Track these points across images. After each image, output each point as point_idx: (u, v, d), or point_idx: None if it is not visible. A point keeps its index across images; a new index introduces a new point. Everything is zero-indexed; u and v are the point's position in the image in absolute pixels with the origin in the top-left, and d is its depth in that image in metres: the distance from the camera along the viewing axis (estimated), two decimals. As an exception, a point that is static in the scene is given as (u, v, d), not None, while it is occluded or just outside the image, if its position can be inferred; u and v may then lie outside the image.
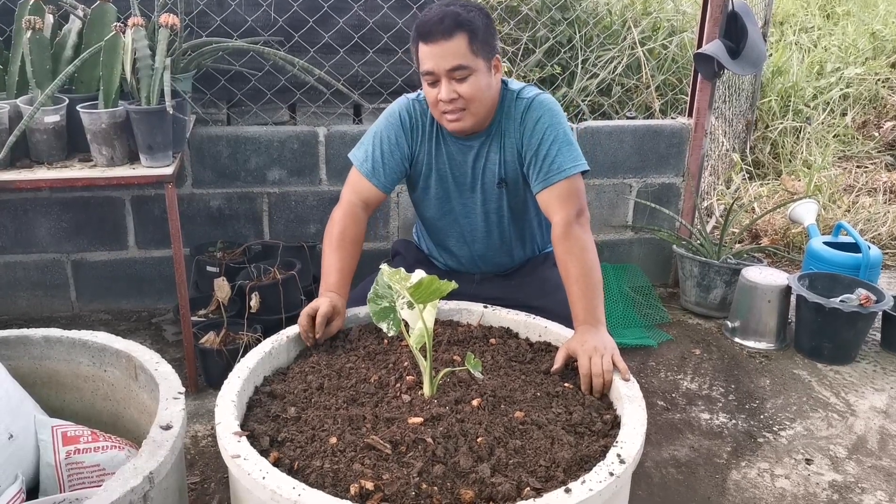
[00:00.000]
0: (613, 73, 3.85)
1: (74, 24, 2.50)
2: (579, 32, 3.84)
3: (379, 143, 2.10)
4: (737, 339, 3.02)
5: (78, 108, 2.28)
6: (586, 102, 3.75)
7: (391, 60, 3.06)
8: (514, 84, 2.12)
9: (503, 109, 2.08)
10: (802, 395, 2.65)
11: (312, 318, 1.81)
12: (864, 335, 2.88)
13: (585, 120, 3.40)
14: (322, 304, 1.83)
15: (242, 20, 2.93)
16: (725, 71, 3.27)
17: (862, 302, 2.78)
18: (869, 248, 3.09)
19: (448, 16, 1.89)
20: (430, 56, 1.92)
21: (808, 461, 2.29)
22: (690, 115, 3.31)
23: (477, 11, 1.95)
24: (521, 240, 2.28)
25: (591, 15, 3.91)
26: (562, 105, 2.18)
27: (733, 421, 2.49)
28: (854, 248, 3.13)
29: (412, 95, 2.17)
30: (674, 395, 2.64)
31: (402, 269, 1.54)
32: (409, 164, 2.16)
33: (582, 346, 1.72)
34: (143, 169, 2.31)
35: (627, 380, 1.66)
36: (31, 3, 2.44)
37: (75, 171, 2.30)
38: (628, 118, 3.56)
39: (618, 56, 3.88)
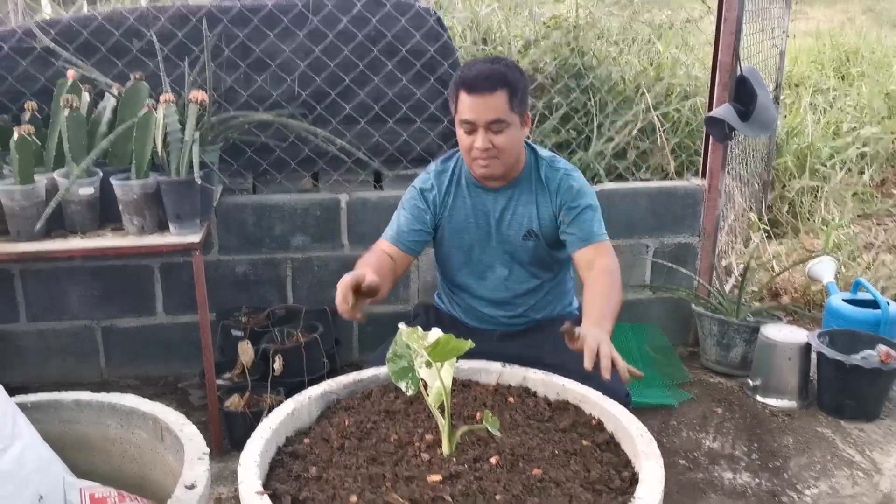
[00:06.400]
0: (629, 136, 3.93)
1: (109, 102, 2.63)
2: (593, 98, 3.94)
3: (403, 212, 2.28)
4: (758, 398, 3.01)
5: (111, 179, 2.39)
6: (602, 165, 3.83)
7: (410, 129, 3.16)
8: (544, 152, 2.30)
9: (535, 170, 2.26)
10: (826, 453, 2.63)
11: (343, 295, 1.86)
12: (887, 392, 2.86)
13: (601, 182, 3.47)
14: (344, 277, 1.87)
15: (268, 94, 3.06)
16: (737, 133, 3.33)
17: (882, 359, 2.77)
18: (888, 304, 3.09)
19: (495, 74, 2.06)
20: (471, 107, 2.06)
21: (834, 520, 2.26)
22: (704, 176, 3.37)
23: (518, 72, 2.14)
24: (538, 291, 2.36)
25: (605, 82, 4.02)
26: (578, 168, 2.34)
27: (756, 480, 2.47)
28: (873, 304, 3.13)
29: (431, 168, 2.32)
30: (696, 454, 2.63)
31: (420, 329, 1.59)
32: (434, 230, 2.30)
33: (592, 335, 1.78)
34: (172, 237, 2.40)
35: (626, 379, 1.70)
36: (69, 83, 2.58)
37: (107, 240, 2.39)
38: (643, 180, 3.62)
39: (632, 120, 3.97)
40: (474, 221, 2.28)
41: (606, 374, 1.70)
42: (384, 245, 2.25)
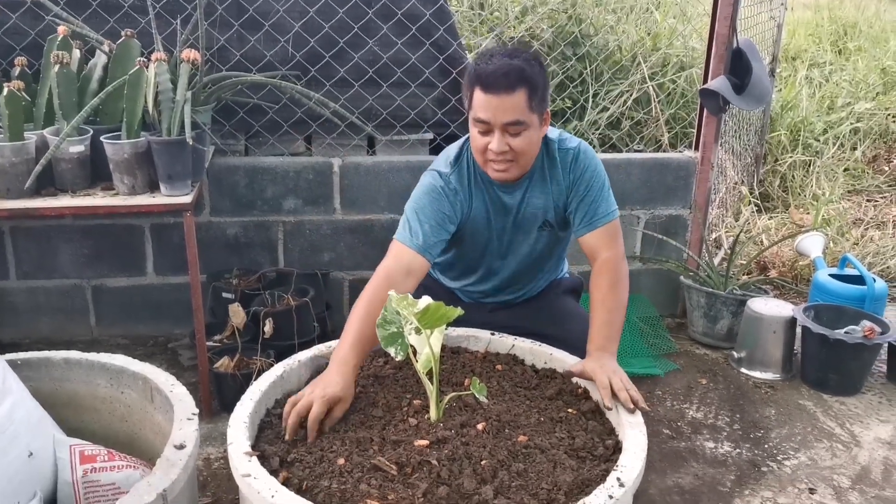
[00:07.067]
0: (623, 106, 3.92)
1: (100, 59, 2.60)
2: (589, 67, 3.92)
3: (426, 218, 2.06)
4: (743, 370, 3.05)
5: (102, 138, 2.37)
6: (596, 135, 3.82)
7: (404, 94, 3.14)
8: (552, 131, 2.17)
9: (546, 157, 2.15)
10: (807, 425, 2.67)
11: (302, 415, 1.64)
12: (870, 367, 2.90)
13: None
14: (316, 401, 1.64)
15: (261, 55, 3.02)
16: (731, 106, 3.33)
17: (866, 333, 2.80)
18: (874, 280, 3.11)
19: (514, 71, 1.89)
20: (487, 106, 1.92)
21: (812, 490, 2.31)
22: (697, 148, 3.37)
23: (538, 67, 1.97)
24: (540, 271, 2.37)
25: (601, 51, 4.00)
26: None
27: (738, 450, 2.51)
28: (860, 280, 3.16)
29: (442, 169, 2.14)
30: (679, 423, 2.67)
31: (410, 296, 1.60)
32: (456, 230, 2.15)
33: (601, 367, 1.80)
34: (163, 197, 2.39)
35: (647, 409, 1.71)
36: (59, 38, 2.54)
37: (98, 199, 2.38)
38: (636, 151, 3.63)
39: (627, 90, 3.96)
40: (493, 221, 2.19)
41: (630, 404, 1.70)
42: (403, 253, 2.01)
